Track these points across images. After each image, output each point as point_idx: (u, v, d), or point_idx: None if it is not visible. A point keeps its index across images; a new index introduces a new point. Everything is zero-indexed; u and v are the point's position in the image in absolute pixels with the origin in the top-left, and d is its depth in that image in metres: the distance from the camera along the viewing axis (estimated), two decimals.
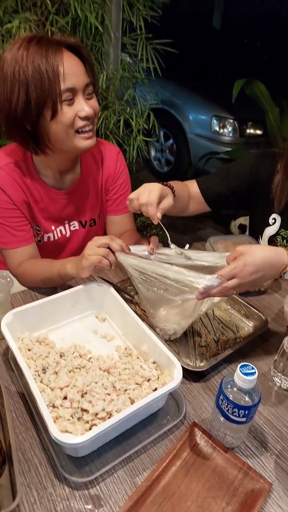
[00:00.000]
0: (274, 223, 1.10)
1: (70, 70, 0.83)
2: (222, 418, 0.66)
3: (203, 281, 0.73)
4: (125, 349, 0.82)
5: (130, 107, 1.66)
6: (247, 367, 0.61)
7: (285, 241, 1.09)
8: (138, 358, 0.79)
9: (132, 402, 0.66)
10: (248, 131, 3.24)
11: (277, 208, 1.07)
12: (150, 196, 0.80)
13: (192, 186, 1.13)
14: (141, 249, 0.82)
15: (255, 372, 0.61)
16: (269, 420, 0.74)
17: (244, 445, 0.69)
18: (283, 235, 1.09)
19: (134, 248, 0.83)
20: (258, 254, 0.73)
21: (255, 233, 1.17)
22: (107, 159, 1.10)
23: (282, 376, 0.79)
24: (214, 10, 8.88)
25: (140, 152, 1.74)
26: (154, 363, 0.75)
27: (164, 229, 0.89)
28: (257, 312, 0.95)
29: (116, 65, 1.69)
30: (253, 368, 0.61)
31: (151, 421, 0.71)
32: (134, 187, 0.90)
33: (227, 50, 4.71)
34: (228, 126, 3.25)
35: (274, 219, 1.10)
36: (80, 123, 0.87)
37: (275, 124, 2.17)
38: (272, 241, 1.12)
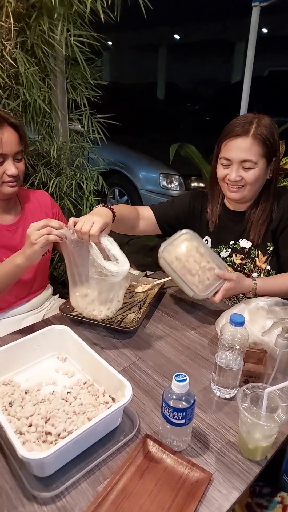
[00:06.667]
0: (206, 243, 1.33)
1: (5, 140, 1.12)
2: (168, 425, 0.78)
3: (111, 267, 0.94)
4: (85, 383, 0.93)
5: (80, 172, 1.89)
6: (180, 375, 0.76)
7: None
8: (94, 386, 0.90)
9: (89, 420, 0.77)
10: (192, 184, 3.64)
11: (211, 227, 1.33)
12: (93, 228, 0.96)
13: (146, 210, 1.36)
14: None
15: (186, 379, 0.75)
16: (211, 425, 0.86)
17: (190, 448, 0.81)
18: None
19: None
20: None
21: None
22: (38, 195, 1.39)
23: (219, 387, 0.93)
24: (157, 83, 9.99)
25: None
26: (110, 396, 0.86)
27: None
28: None
29: (65, 137, 1.94)
30: (185, 376, 0.76)
31: (110, 439, 0.81)
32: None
33: (171, 115, 5.33)
34: (174, 182, 3.64)
35: (206, 240, 1.35)
36: (6, 178, 1.17)
37: (208, 179, 2.50)
38: None
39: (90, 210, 1.98)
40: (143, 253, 3.35)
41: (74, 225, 0.97)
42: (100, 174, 2.00)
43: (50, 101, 1.86)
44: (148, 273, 1.49)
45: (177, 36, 10.60)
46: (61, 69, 1.82)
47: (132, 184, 3.81)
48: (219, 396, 0.94)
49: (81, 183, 1.87)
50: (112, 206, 1.14)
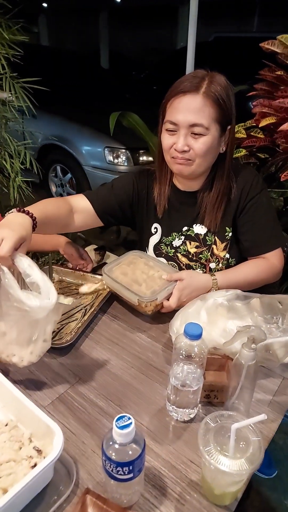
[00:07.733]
0: (156, 232, 1.16)
1: None
2: (112, 480, 0.60)
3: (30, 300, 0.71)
4: (6, 425, 0.72)
5: (3, 148, 1.59)
6: (123, 418, 0.57)
7: (168, 247, 1.15)
8: (19, 428, 0.70)
9: (5, 491, 0.57)
10: (141, 158, 3.39)
11: (159, 213, 1.14)
12: (2, 248, 0.72)
13: (81, 200, 1.11)
14: None
15: (131, 423, 0.57)
16: (168, 461, 0.70)
17: (143, 498, 0.64)
18: (166, 242, 1.15)
19: None
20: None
21: (143, 245, 1.22)
22: None
23: (176, 408, 0.77)
24: (100, 51, 9.42)
25: (22, 193, 1.66)
26: (34, 448, 0.66)
27: None
28: None
29: None
30: (129, 419, 0.57)
31: (39, 502, 0.62)
32: None
33: (116, 84, 4.95)
34: (121, 156, 3.36)
35: (156, 228, 1.16)
36: None
37: (156, 153, 2.27)
38: (157, 249, 1.17)
39: (19, 193, 1.72)
40: (93, 236, 3.13)
41: None
42: (39, 149, 1.70)
43: None
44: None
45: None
46: None
47: (75, 160, 3.48)
48: (177, 420, 0.78)
49: (4, 162, 1.57)
50: (30, 209, 0.88)
